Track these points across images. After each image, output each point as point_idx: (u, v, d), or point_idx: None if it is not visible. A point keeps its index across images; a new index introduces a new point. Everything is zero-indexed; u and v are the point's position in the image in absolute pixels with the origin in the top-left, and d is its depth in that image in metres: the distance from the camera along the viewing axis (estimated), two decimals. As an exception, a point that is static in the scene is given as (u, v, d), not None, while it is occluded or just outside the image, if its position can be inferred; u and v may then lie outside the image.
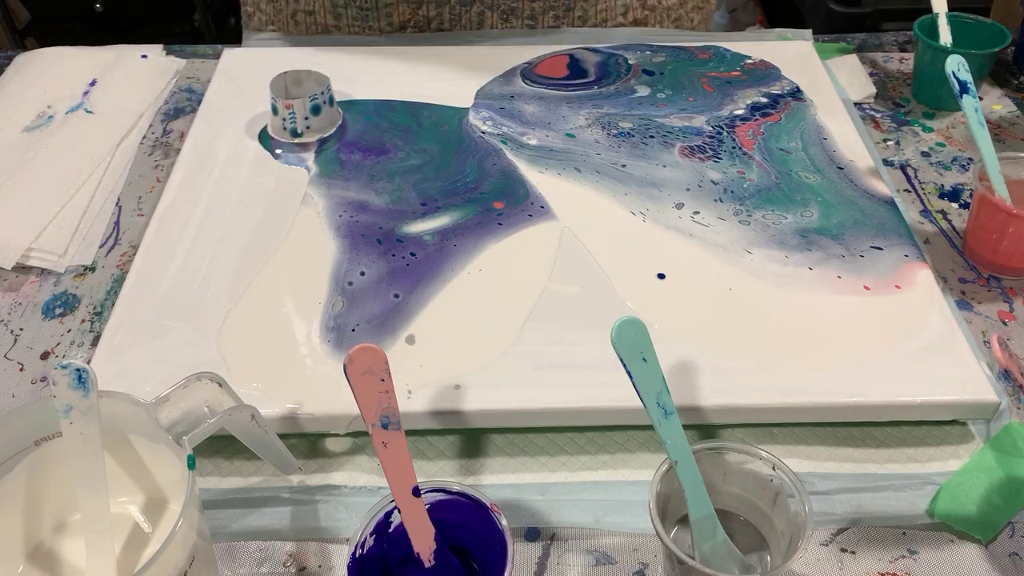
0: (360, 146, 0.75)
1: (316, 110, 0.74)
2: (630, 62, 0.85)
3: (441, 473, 0.53)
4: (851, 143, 0.75)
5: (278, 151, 0.74)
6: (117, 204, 0.73)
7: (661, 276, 0.62)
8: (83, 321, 0.62)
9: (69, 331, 0.62)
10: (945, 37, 0.81)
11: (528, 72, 0.84)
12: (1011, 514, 0.51)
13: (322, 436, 0.55)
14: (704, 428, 0.55)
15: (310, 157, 0.73)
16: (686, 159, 0.73)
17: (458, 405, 0.53)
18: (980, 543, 0.50)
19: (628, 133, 0.76)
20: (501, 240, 0.65)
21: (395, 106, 0.80)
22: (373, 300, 0.60)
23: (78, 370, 0.42)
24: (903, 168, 0.76)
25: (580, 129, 0.76)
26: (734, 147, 0.74)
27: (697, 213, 0.67)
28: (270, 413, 0.52)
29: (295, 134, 0.74)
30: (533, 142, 0.75)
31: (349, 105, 0.79)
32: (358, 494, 0.52)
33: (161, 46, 0.91)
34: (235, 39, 0.92)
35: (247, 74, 0.83)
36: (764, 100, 0.80)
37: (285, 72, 0.75)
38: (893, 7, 1.71)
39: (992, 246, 0.64)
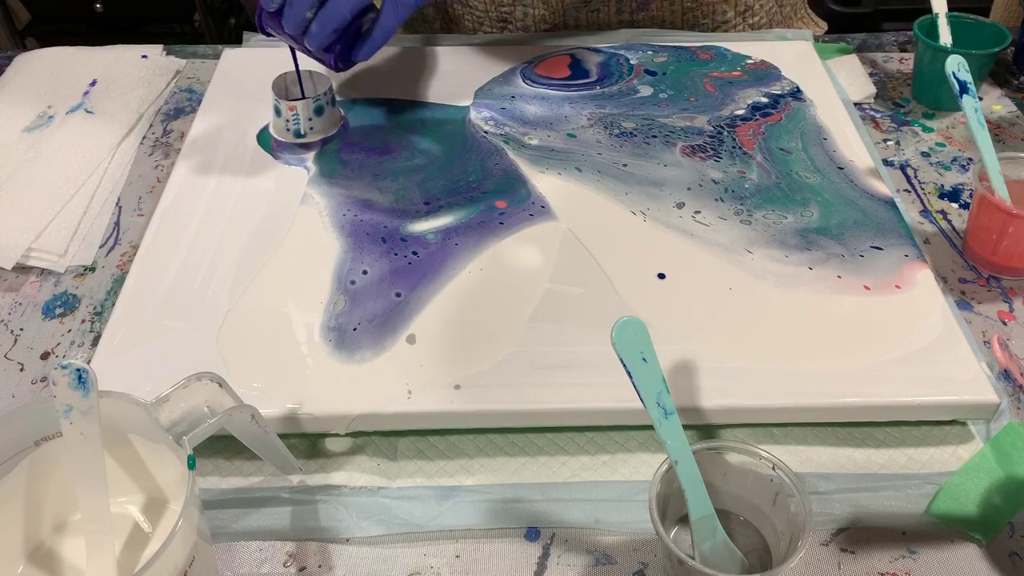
0: (363, 146, 0.75)
1: (319, 111, 0.74)
2: (632, 62, 0.85)
3: (441, 474, 0.53)
4: (851, 143, 0.75)
5: (279, 151, 0.74)
6: (117, 204, 0.73)
7: (661, 276, 0.62)
8: (83, 321, 0.62)
9: (69, 331, 0.62)
10: (945, 37, 0.81)
11: (528, 72, 0.84)
12: (1011, 514, 0.51)
13: (322, 436, 0.55)
14: (704, 428, 0.55)
15: (310, 157, 0.73)
16: (687, 158, 0.73)
17: (458, 405, 0.53)
18: (980, 543, 0.50)
19: (631, 133, 0.76)
20: (502, 240, 0.65)
21: (397, 106, 0.80)
22: (375, 299, 0.60)
23: (78, 370, 0.42)
24: (903, 168, 0.76)
25: (582, 129, 0.76)
26: (734, 147, 0.74)
27: (698, 212, 0.67)
28: (270, 413, 0.52)
29: (298, 135, 0.74)
30: (535, 142, 0.75)
31: (351, 105, 0.79)
32: (358, 494, 0.52)
33: (161, 46, 0.91)
34: (235, 39, 0.92)
35: (247, 74, 0.83)
36: (764, 100, 0.80)
37: (285, 73, 0.75)
38: (893, 7, 1.71)
39: (992, 246, 0.64)
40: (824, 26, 1.00)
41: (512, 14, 0.91)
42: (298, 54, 0.71)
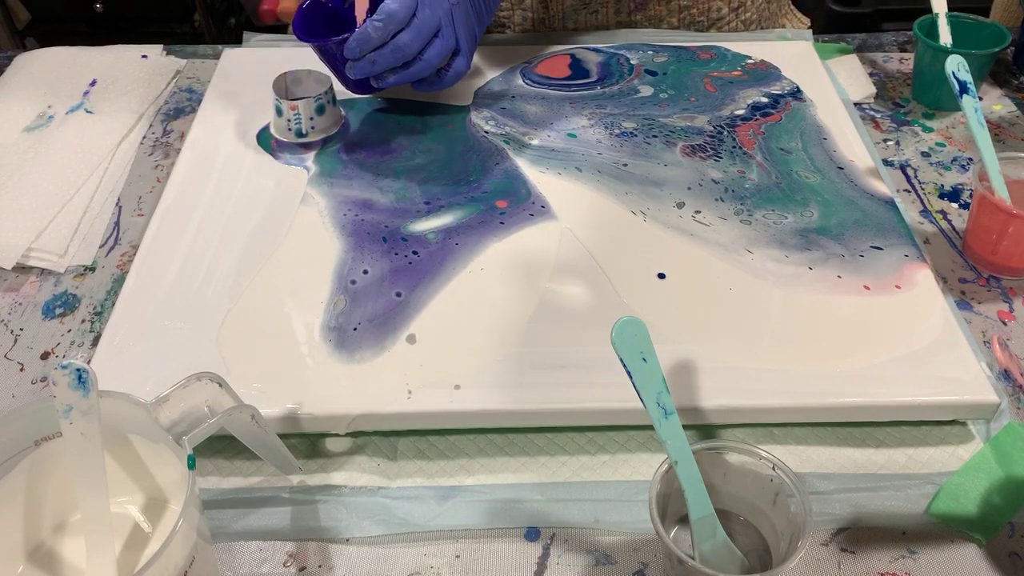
0: (363, 145, 0.75)
1: (320, 110, 0.74)
2: (632, 62, 0.85)
3: (441, 474, 0.53)
4: (851, 143, 0.75)
5: (279, 151, 0.74)
6: (117, 204, 0.73)
7: (661, 276, 0.62)
8: (83, 321, 0.62)
9: (69, 331, 0.62)
10: (945, 37, 0.81)
11: (528, 72, 0.84)
12: (1011, 514, 0.51)
13: (322, 436, 0.55)
14: (704, 428, 0.55)
15: (310, 157, 0.73)
16: (687, 158, 0.73)
17: (458, 405, 0.53)
18: (980, 543, 0.50)
19: (631, 133, 0.76)
20: (503, 239, 0.65)
21: (398, 105, 0.80)
22: (375, 299, 0.60)
23: (78, 370, 0.42)
24: (903, 168, 0.76)
25: (582, 129, 0.76)
26: (735, 147, 0.74)
27: (698, 212, 0.67)
28: (270, 413, 0.52)
29: (300, 134, 0.74)
30: (535, 142, 0.75)
31: (351, 104, 0.79)
32: (358, 494, 0.52)
33: (161, 46, 0.91)
34: (235, 39, 0.92)
35: (247, 74, 0.83)
36: (765, 100, 0.80)
37: (285, 72, 0.75)
38: (893, 7, 1.71)
39: (992, 246, 0.64)
40: (807, 22, 1.00)
41: (511, 18, 0.91)
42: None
